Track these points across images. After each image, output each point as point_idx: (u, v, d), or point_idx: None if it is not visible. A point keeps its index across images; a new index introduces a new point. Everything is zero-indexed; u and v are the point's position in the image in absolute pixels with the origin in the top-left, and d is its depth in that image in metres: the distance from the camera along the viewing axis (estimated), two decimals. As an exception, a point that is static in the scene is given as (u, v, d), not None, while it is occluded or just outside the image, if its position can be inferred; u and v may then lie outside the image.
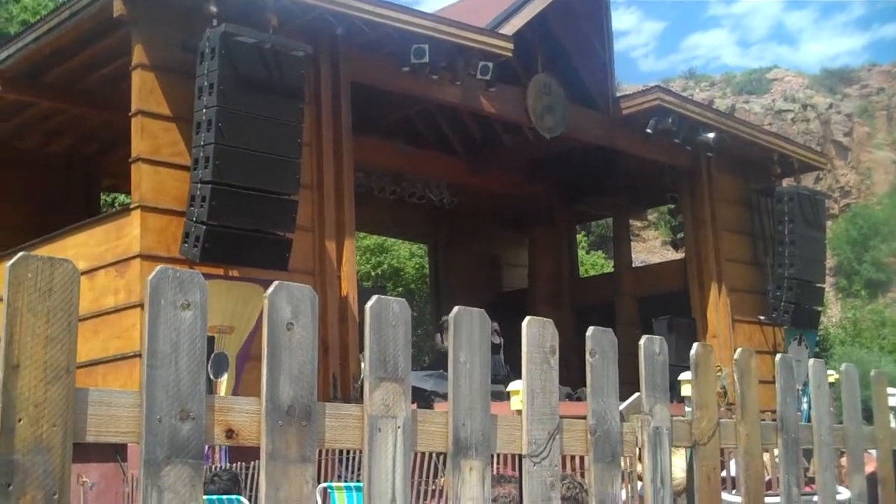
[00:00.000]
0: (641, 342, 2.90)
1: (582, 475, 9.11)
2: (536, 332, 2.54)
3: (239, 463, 9.51)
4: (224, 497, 5.86)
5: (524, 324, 2.53)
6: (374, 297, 2.21)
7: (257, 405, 2.01)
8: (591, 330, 2.72)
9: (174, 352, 1.87)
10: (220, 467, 8.67)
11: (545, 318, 2.59)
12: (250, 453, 9.01)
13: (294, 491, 2.02)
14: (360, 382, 12.64)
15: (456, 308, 2.37)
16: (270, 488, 1.99)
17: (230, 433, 1.98)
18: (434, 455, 9.60)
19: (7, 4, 30.39)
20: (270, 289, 2.02)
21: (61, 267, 1.75)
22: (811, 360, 3.69)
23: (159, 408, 1.84)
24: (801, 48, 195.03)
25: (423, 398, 13.61)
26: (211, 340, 10.63)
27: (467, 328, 2.38)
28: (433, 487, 9.83)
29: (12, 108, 14.34)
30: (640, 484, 7.31)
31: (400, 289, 33.17)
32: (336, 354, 12.52)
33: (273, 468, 2.00)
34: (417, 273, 34.55)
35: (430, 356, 19.61)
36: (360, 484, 6.97)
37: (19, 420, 1.68)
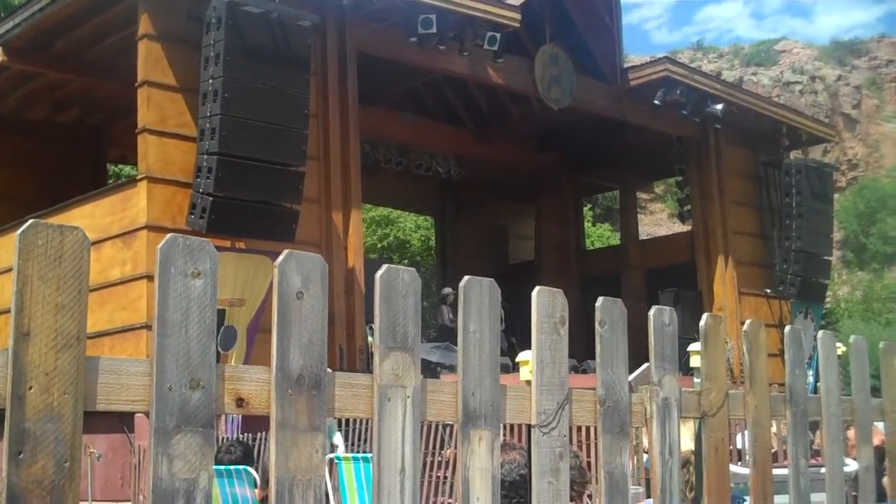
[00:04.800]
0: (651, 312, 2.88)
1: (586, 446, 9.14)
2: (546, 302, 2.53)
3: (246, 434, 9.55)
4: (232, 467, 5.88)
5: (534, 293, 2.52)
6: (385, 267, 2.20)
7: (267, 374, 2.00)
8: (600, 300, 2.71)
9: (184, 320, 1.86)
10: (229, 438, 8.71)
11: (555, 289, 2.58)
12: (262, 423, 9.04)
13: (303, 459, 2.02)
14: (366, 354, 12.68)
15: (466, 277, 2.36)
16: (280, 457, 1.99)
17: (240, 402, 1.98)
18: (440, 426, 9.63)
19: (12, -26, 30.24)
20: (280, 257, 2.01)
21: (71, 235, 1.75)
22: (820, 332, 3.67)
23: (169, 376, 1.84)
24: (815, 20, 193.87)
25: (429, 370, 13.65)
26: (221, 314, 10.66)
27: (477, 298, 2.37)
28: (439, 458, 9.88)
29: (19, 79, 14.30)
30: (645, 457, 7.32)
31: (406, 261, 33.18)
32: (342, 326, 12.54)
33: (283, 437, 1.99)
34: (423, 245, 34.56)
35: (434, 329, 19.64)
36: (367, 455, 6.99)
37: (30, 388, 1.68)
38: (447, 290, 18.43)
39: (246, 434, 9.54)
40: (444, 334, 17.12)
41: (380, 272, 2.19)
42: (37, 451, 1.68)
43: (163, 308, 1.85)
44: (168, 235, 1.87)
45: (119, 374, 1.82)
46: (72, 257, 1.74)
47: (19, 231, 1.69)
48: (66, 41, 13.19)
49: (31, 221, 1.71)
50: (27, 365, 1.68)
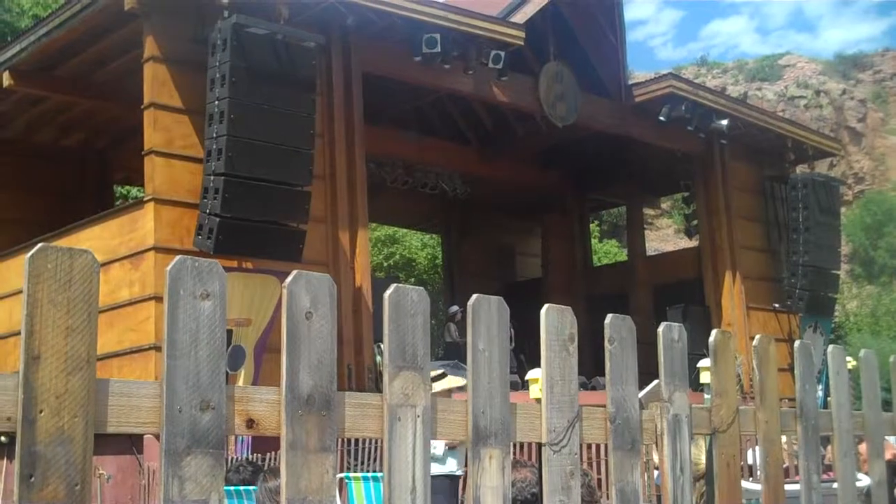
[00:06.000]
0: (660, 329, 2.88)
1: (596, 464, 9.11)
2: (555, 320, 2.53)
3: (256, 454, 9.53)
4: (241, 488, 5.87)
5: (543, 311, 2.51)
6: (393, 286, 2.20)
7: (277, 395, 2.00)
8: (609, 317, 2.70)
9: (194, 342, 1.86)
10: (240, 458, 8.70)
11: (563, 306, 2.57)
12: (271, 443, 9.03)
13: (314, 480, 2.01)
14: (374, 373, 12.67)
15: (475, 296, 2.36)
16: (291, 478, 1.99)
17: (250, 423, 1.97)
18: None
19: (18, -1, 30.44)
20: (289, 278, 2.01)
21: (81, 258, 1.75)
22: (830, 347, 3.66)
23: (179, 398, 1.84)
24: (820, 35, 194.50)
25: (437, 388, 13.60)
26: (228, 334, 10.65)
27: (486, 316, 2.37)
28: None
29: (25, 102, 14.37)
30: (655, 473, 7.29)
31: (412, 279, 33.19)
32: (350, 345, 12.53)
33: (293, 458, 1.99)
34: (429, 263, 34.56)
35: (441, 347, 19.64)
36: (377, 474, 6.96)
37: (41, 411, 1.68)
38: (454, 307, 18.45)
39: (255, 454, 9.53)
40: (452, 352, 17.10)
41: (388, 292, 2.19)
42: (48, 474, 1.68)
43: (172, 330, 1.85)
44: (177, 257, 1.87)
45: (129, 397, 1.82)
46: (81, 280, 1.74)
47: (29, 255, 1.69)
48: (72, 65, 13.26)
49: (40, 245, 1.71)
50: (38, 388, 1.68)
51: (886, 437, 4.06)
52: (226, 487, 5.85)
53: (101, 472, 10.34)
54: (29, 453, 1.67)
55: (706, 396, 3.25)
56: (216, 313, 1.89)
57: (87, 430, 1.73)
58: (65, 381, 1.71)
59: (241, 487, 5.88)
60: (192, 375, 1.85)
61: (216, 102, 10.80)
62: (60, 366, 1.70)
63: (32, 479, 1.67)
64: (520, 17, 14.73)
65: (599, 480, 8.30)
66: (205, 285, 1.88)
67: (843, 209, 23.78)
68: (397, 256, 34.84)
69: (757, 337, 3.29)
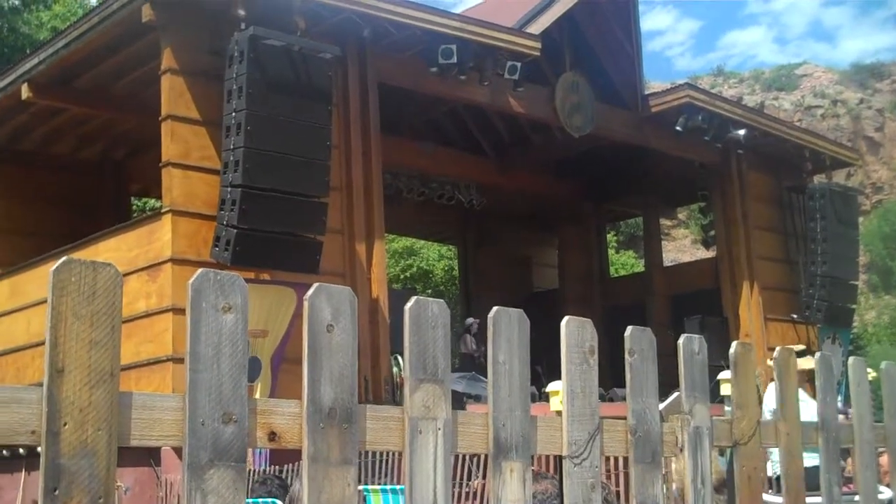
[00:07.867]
0: (681, 341, 2.87)
1: (615, 476, 9.07)
2: (576, 332, 2.53)
3: (274, 466, 9.53)
4: (259, 500, 5.86)
5: (563, 323, 2.51)
6: (414, 299, 2.20)
7: (299, 408, 2.00)
8: (629, 329, 2.70)
9: (216, 355, 1.87)
10: (267, 471, 8.71)
11: (584, 318, 2.57)
12: (289, 455, 9.03)
13: (336, 493, 2.01)
14: (391, 385, 12.66)
15: (495, 308, 2.36)
16: (312, 491, 1.99)
17: (272, 436, 1.98)
18: (468, 457, 9.59)
19: (37, 11, 30.65)
20: (310, 291, 2.02)
21: (104, 271, 1.76)
22: (851, 358, 3.65)
23: (202, 411, 1.84)
24: (839, 44, 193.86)
25: (454, 399, 13.60)
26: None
27: (506, 329, 2.37)
28: (467, 490, 9.82)
29: (44, 114, 14.45)
30: (674, 485, 7.25)
31: (429, 291, 33.20)
32: (367, 357, 12.52)
33: (315, 471, 1.99)
34: (446, 275, 34.55)
35: (457, 358, 19.63)
36: (396, 487, 6.94)
37: (64, 424, 1.69)
38: (470, 319, 18.43)
39: (274, 466, 9.52)
40: (467, 363, 17.08)
41: (409, 304, 2.19)
42: (72, 487, 1.68)
43: (194, 343, 1.85)
44: (199, 270, 1.88)
45: (152, 410, 1.82)
46: (105, 293, 1.74)
47: (53, 268, 1.70)
48: (90, 76, 13.32)
49: (64, 258, 1.72)
50: (62, 401, 1.69)
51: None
52: (254, 500, 5.86)
53: (118, 483, 10.36)
54: (53, 466, 1.67)
55: (727, 408, 3.24)
56: (238, 326, 1.90)
57: (111, 443, 1.74)
58: (88, 395, 1.71)
59: (260, 500, 5.87)
60: (214, 388, 1.86)
61: (233, 114, 10.83)
62: (84, 379, 1.71)
63: (56, 492, 1.67)
64: (536, 27, 14.72)
65: (618, 493, 8.27)
66: (227, 298, 1.89)
67: (860, 219, 23.64)
68: (414, 268, 34.86)
69: (777, 349, 3.28)
